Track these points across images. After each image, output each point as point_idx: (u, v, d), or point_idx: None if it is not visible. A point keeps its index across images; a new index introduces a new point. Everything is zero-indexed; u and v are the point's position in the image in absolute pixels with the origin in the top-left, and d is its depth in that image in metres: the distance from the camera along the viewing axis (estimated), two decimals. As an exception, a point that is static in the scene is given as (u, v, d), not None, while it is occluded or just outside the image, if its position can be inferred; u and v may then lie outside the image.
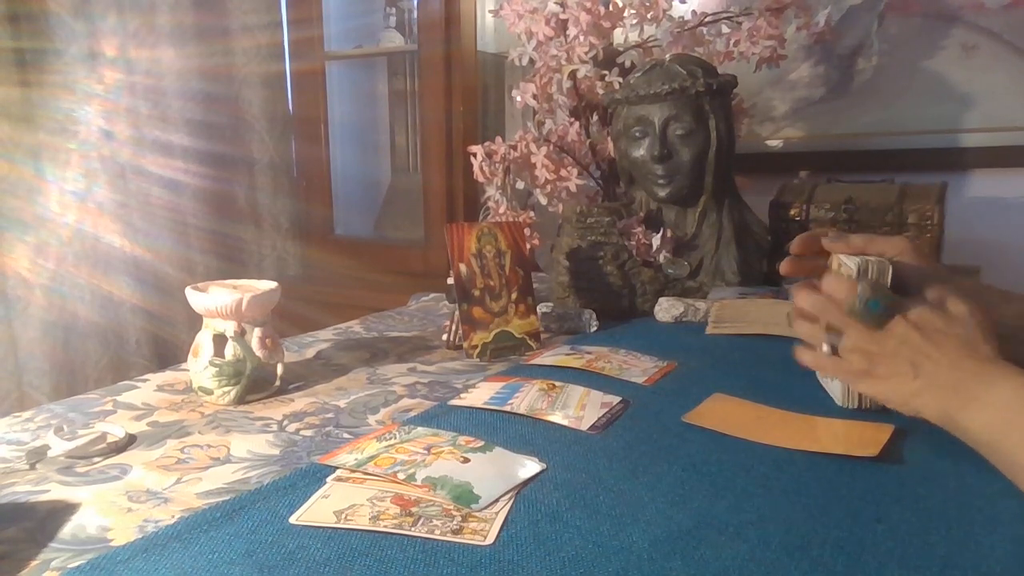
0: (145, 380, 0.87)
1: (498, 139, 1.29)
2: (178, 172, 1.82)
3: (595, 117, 1.35)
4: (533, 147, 1.26)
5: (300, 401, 0.80)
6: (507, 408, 0.73)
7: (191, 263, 1.86)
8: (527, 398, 0.76)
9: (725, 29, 1.28)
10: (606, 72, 1.25)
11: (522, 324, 0.98)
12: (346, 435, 0.69)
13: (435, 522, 0.51)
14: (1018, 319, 0.69)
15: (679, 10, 1.30)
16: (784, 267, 0.78)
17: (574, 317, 1.07)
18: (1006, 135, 1.39)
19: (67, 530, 0.52)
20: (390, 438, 0.66)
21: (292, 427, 0.72)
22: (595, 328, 1.05)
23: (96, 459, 0.65)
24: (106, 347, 1.68)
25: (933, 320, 0.61)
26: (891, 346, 0.62)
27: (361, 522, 0.51)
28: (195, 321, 0.84)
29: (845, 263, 0.71)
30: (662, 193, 1.19)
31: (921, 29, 1.44)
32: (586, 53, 1.22)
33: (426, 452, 0.62)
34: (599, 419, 0.70)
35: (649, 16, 1.23)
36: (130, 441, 0.69)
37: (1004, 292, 0.73)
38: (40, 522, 0.54)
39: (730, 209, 1.20)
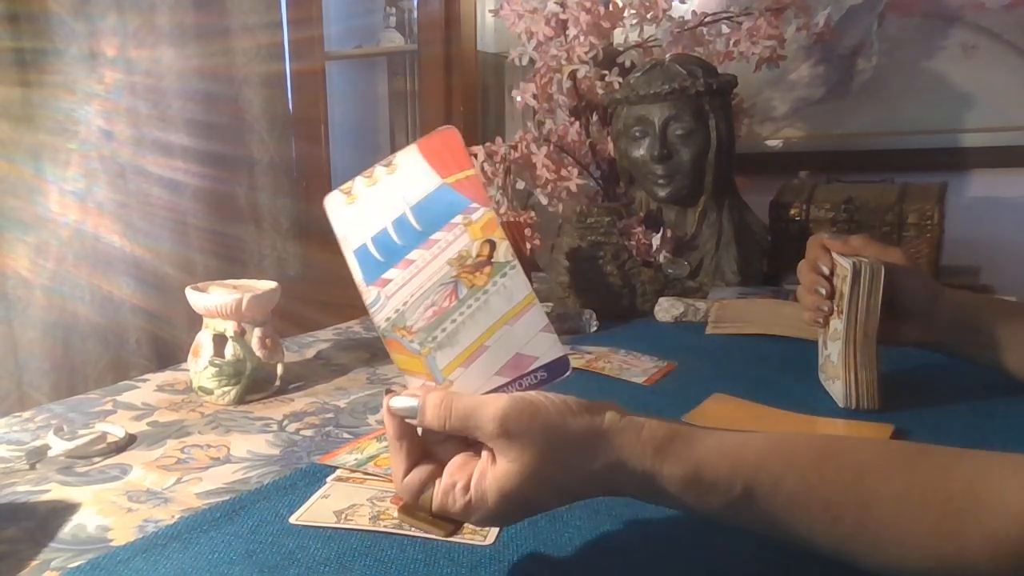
0: (145, 380, 0.87)
1: (498, 139, 1.29)
2: (178, 172, 1.81)
3: (595, 117, 1.35)
4: (533, 147, 1.26)
5: (300, 401, 0.80)
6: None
7: (191, 263, 1.86)
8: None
9: (725, 29, 1.28)
10: (606, 72, 1.25)
11: (522, 324, 0.97)
12: (346, 435, 0.69)
13: (435, 522, 0.51)
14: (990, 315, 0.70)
15: (679, 10, 1.30)
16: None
17: (574, 317, 1.06)
18: (1006, 135, 1.39)
19: (67, 530, 0.52)
20: (390, 438, 0.65)
21: (292, 427, 0.72)
22: (595, 328, 1.05)
23: (96, 459, 0.65)
24: (106, 347, 1.68)
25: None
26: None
27: (361, 522, 0.51)
28: (195, 321, 0.84)
29: (841, 263, 0.71)
30: (662, 193, 1.19)
31: (921, 29, 1.44)
32: (586, 53, 1.22)
33: (426, 452, 0.62)
34: None
35: (649, 16, 1.23)
36: (130, 441, 0.69)
37: (1004, 302, 0.74)
38: (40, 522, 0.54)
39: (730, 209, 1.20)
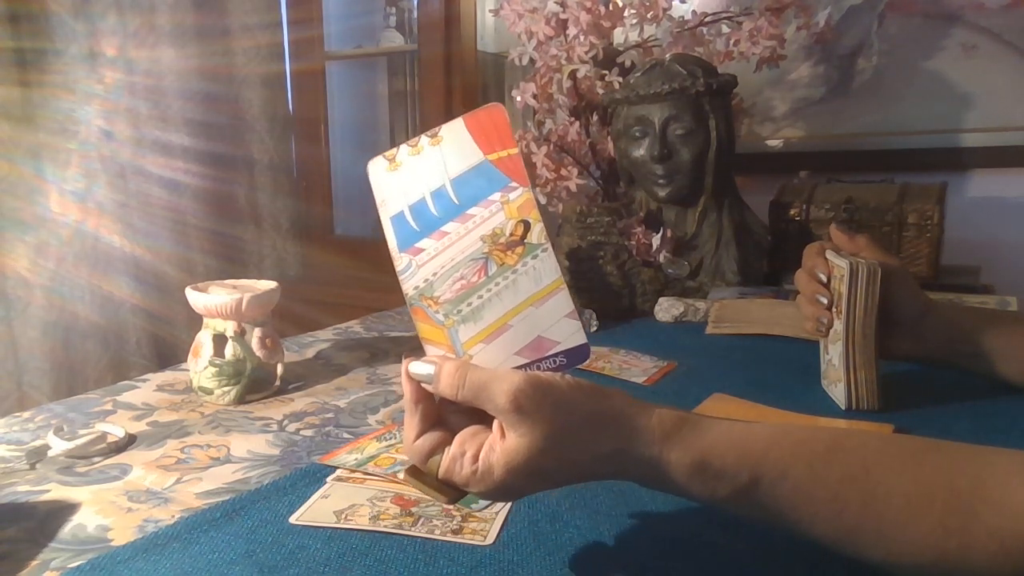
0: (145, 380, 0.87)
1: (498, 139, 1.29)
2: (178, 172, 1.81)
3: (595, 117, 1.35)
4: (533, 147, 1.26)
5: (300, 401, 0.80)
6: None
7: (191, 263, 1.86)
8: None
9: (725, 29, 1.28)
10: (606, 72, 1.24)
11: (522, 324, 0.97)
12: (346, 435, 0.69)
13: (435, 522, 0.51)
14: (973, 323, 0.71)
15: (679, 10, 1.30)
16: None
17: (574, 317, 1.06)
18: (1006, 135, 1.39)
19: (67, 530, 0.52)
20: (390, 438, 0.66)
21: (292, 427, 0.72)
22: (595, 328, 1.05)
23: (96, 459, 0.65)
24: (106, 347, 1.68)
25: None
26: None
27: (361, 522, 0.51)
28: (195, 321, 0.84)
29: (837, 264, 0.71)
30: (662, 193, 1.19)
31: (921, 29, 1.44)
32: (586, 53, 1.22)
33: (426, 452, 0.62)
34: None
35: (649, 16, 1.23)
36: (130, 441, 0.69)
37: (991, 311, 0.74)
38: (40, 522, 0.54)
39: (730, 209, 1.20)
